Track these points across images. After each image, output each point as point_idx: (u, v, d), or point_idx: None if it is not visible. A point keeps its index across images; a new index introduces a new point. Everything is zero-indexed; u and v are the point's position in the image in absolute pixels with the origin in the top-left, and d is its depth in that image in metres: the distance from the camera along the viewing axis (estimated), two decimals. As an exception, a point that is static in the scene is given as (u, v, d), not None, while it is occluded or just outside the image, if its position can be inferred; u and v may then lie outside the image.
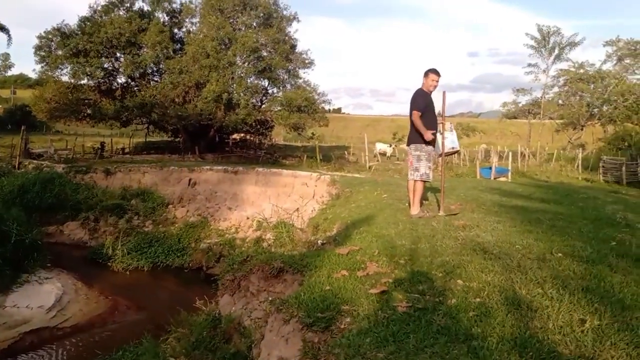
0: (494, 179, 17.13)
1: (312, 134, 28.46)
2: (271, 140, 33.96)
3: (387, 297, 3.51)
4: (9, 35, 27.90)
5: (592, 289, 3.53)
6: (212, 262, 14.91)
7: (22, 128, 23.03)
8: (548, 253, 4.60)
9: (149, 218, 17.57)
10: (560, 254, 4.56)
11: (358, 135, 66.86)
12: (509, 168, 18.10)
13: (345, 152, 35.65)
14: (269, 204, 16.65)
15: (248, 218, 16.45)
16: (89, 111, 27.75)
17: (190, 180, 18.67)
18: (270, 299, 4.23)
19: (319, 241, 7.12)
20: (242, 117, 24.46)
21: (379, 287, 3.65)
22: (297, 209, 15.55)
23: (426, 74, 6.99)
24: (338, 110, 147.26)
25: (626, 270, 4.13)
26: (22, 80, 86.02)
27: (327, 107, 30.81)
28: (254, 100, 27.75)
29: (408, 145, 7.18)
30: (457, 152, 7.67)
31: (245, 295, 4.87)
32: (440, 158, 7.66)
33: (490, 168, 17.98)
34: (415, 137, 6.92)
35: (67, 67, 26.31)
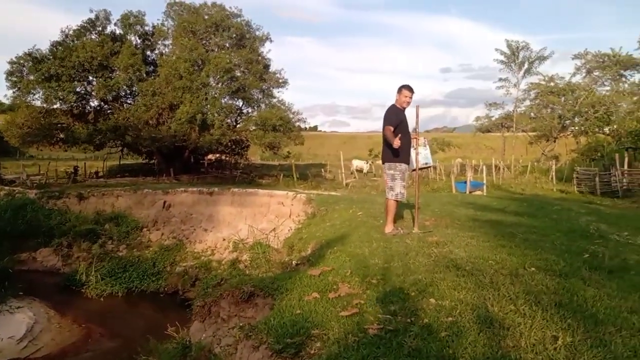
0: (470, 193, 17.23)
1: (288, 152, 28.34)
2: (247, 160, 33.81)
3: (359, 319, 3.41)
4: None
5: (565, 304, 3.49)
6: (188, 285, 14.63)
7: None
8: (521, 268, 4.57)
9: (123, 242, 17.22)
10: (533, 269, 4.53)
11: (335, 153, 66.97)
12: (484, 182, 18.23)
13: (322, 170, 35.67)
14: (245, 224, 16.49)
15: (224, 239, 16.23)
16: (61, 135, 27.30)
17: (164, 202, 18.39)
18: (240, 325, 4.10)
19: (293, 262, 7.01)
20: (216, 137, 24.31)
21: (350, 309, 3.56)
22: (274, 228, 15.41)
23: (399, 90, 6.92)
24: (314, 129, 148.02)
25: (599, 283, 4.12)
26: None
27: (302, 126, 30.91)
28: (228, 121, 27.67)
29: (383, 163, 7.09)
30: (430, 167, 7.62)
31: (216, 322, 4.73)
32: (415, 174, 7.63)
33: (466, 182, 18.09)
34: (389, 155, 6.83)
35: (39, 92, 25.90)
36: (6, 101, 29.94)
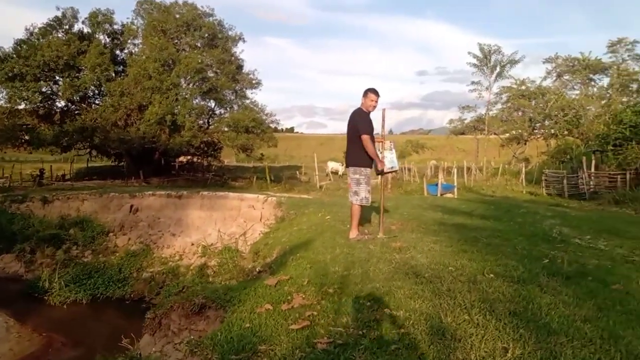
0: (441, 195, 17.31)
1: (262, 155, 28.09)
2: (221, 162, 33.45)
3: (309, 333, 3.30)
4: None
5: (519, 313, 3.44)
6: (155, 292, 14.33)
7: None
8: (480, 274, 4.52)
9: (89, 248, 16.82)
10: (492, 275, 4.48)
11: (312, 155, 66.77)
12: (455, 184, 18.33)
13: (297, 172, 35.52)
14: (215, 228, 16.27)
15: (193, 244, 15.98)
16: (26, 137, 26.60)
17: (131, 206, 18.03)
18: (187, 339, 3.94)
19: (256, 269, 6.87)
20: (187, 139, 23.97)
21: (301, 322, 3.44)
22: (244, 233, 15.24)
23: (365, 93, 6.79)
24: (291, 130, 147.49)
25: (556, 290, 4.09)
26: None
27: (278, 127, 30.75)
28: (200, 122, 27.35)
29: (347, 167, 6.97)
30: (396, 171, 7.56)
31: (166, 335, 4.55)
32: (381, 178, 7.57)
33: (437, 185, 18.17)
34: (356, 159, 6.74)
35: (2, 92, 25.23)
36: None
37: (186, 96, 24.98)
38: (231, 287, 4.67)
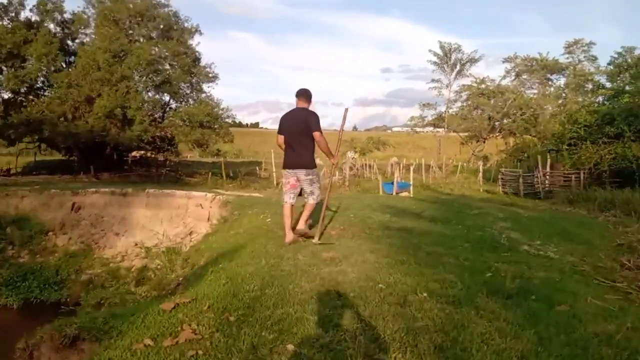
0: (396, 194, 16.93)
1: (218, 150, 27.22)
2: (177, 157, 32.24)
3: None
4: None
5: (446, 348, 2.93)
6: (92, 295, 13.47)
7: None
8: (412, 293, 4.01)
9: (26, 248, 15.72)
10: (425, 294, 3.98)
11: (277, 150, 65.96)
12: (411, 183, 17.98)
13: (257, 168, 34.75)
14: (161, 228, 15.45)
15: (136, 244, 15.12)
16: (-34, 129, 25.05)
17: (74, 204, 16.99)
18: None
19: (178, 279, 6.23)
20: (137, 133, 22.92)
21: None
22: (190, 232, 14.52)
23: (310, 95, 6.54)
24: (256, 125, 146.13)
25: (494, 313, 3.60)
26: None
27: (241, 122, 29.89)
28: (156, 116, 26.27)
29: (293, 169, 6.48)
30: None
31: (38, 370, 3.92)
32: (330, 179, 7.18)
33: (392, 183, 17.78)
34: (308, 160, 6.45)
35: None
36: None
37: (137, 89, 23.85)
38: (114, 314, 4.02)
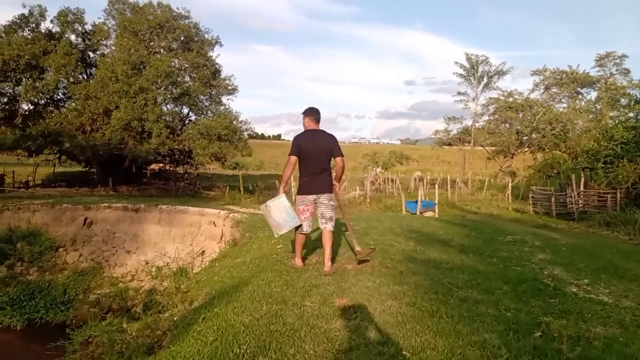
0: (420, 213, 15.98)
1: (236, 164, 26.62)
2: (197, 170, 31.74)
3: None
4: None
5: None
6: (99, 317, 12.80)
7: None
8: (445, 366, 3.15)
9: (35, 264, 15.23)
10: (461, 369, 3.11)
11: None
12: (436, 201, 16.98)
13: (277, 182, 34.08)
14: (174, 245, 14.81)
15: (147, 263, 14.46)
16: (-15, 141, 24.91)
17: (85, 219, 16.48)
18: None
19: (171, 320, 5.47)
20: (154, 146, 22.44)
21: None
22: (202, 252, 13.81)
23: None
24: (278, 137, 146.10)
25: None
26: None
27: (263, 134, 29.34)
28: (174, 128, 25.80)
29: (323, 193, 6.07)
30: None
31: None
32: (338, 203, 6.41)
33: (416, 202, 16.80)
34: (330, 185, 6.19)
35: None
36: None
37: (156, 101, 23.39)
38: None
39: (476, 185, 34.09)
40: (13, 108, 25.25)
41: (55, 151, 27.54)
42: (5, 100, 25.11)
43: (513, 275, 6.22)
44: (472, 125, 40.90)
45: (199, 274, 8.41)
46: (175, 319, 5.51)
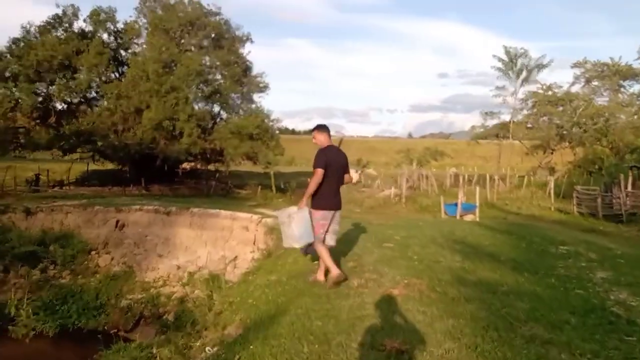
0: (460, 217, 15.29)
1: (268, 163, 26.22)
2: (228, 167, 31.53)
3: None
4: None
5: None
6: (131, 324, 12.63)
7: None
8: None
9: (68, 267, 15.15)
10: None
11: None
12: (477, 203, 16.22)
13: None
14: (205, 250, 14.52)
15: (179, 268, 14.22)
16: (21, 140, 25.22)
17: (117, 221, 16.33)
18: None
19: (207, 348, 5.06)
20: (184, 146, 22.27)
21: None
22: (235, 257, 13.48)
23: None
24: (309, 132, 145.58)
25: None
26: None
27: (292, 129, 28.98)
28: (205, 126, 25.57)
29: (340, 208, 6.27)
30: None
31: None
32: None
33: (456, 205, 16.08)
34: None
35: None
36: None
37: (187, 100, 23.17)
38: None
39: (515, 182, 33.01)
40: (47, 108, 25.43)
41: (89, 150, 27.72)
42: (40, 100, 25.30)
43: (577, 302, 5.59)
44: (510, 120, 39.61)
45: (232, 290, 8.00)
46: (207, 349, 5.09)
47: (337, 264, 6.28)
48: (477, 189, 17.21)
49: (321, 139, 6.10)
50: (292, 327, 4.60)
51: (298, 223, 5.75)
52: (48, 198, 21.01)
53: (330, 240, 6.12)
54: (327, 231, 6.03)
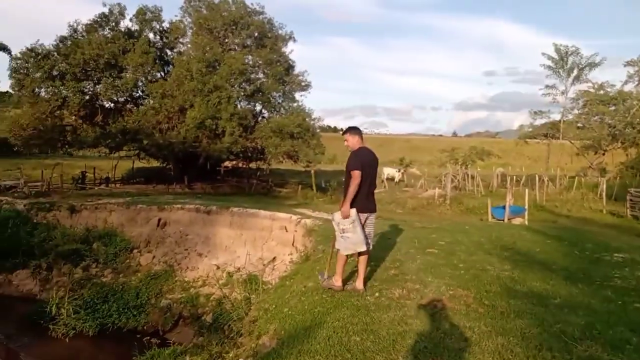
0: (508, 220, 14.63)
1: (309, 162, 26.00)
2: (269, 166, 31.48)
3: None
4: (11, 55, 25.92)
5: None
6: (170, 324, 12.63)
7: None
8: None
9: (110, 266, 15.39)
10: None
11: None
12: (526, 206, 15.49)
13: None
14: (244, 250, 14.42)
15: (218, 267, 14.16)
16: (68, 138, 25.84)
17: (159, 220, 16.50)
18: None
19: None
20: (226, 145, 22.30)
21: None
22: (274, 258, 13.31)
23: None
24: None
25: None
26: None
27: (333, 126, 28.67)
28: (247, 125, 25.53)
29: (369, 212, 5.93)
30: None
31: None
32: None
33: (504, 208, 15.40)
34: None
35: (43, 91, 24.50)
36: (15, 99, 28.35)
37: (229, 99, 23.17)
38: None
39: (565, 184, 31.72)
40: (94, 106, 25.95)
41: (134, 148, 28.17)
42: (87, 98, 25.83)
43: (638, 318, 5.09)
44: (560, 120, 38.06)
45: (268, 295, 7.76)
46: (240, 361, 4.87)
47: (367, 274, 6.16)
48: (527, 191, 16.43)
49: (353, 142, 5.90)
50: (329, 342, 4.32)
51: (357, 228, 5.59)
52: (93, 196, 21.46)
53: (364, 245, 5.81)
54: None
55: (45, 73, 23.24)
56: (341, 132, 6.30)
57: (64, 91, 23.47)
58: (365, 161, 5.71)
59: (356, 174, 5.57)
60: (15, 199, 19.61)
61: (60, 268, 15.13)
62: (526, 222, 14.63)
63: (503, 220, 14.73)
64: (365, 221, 5.79)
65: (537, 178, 26.32)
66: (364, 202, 5.73)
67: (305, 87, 27.27)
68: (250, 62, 26.19)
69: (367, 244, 5.74)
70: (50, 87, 23.66)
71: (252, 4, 27.50)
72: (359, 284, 5.97)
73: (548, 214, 19.95)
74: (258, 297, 8.20)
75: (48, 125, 24.34)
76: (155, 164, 32.20)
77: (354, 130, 5.99)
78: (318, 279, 6.57)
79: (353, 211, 5.59)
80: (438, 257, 7.77)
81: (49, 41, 26.48)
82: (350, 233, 5.65)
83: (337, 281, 5.99)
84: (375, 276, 6.60)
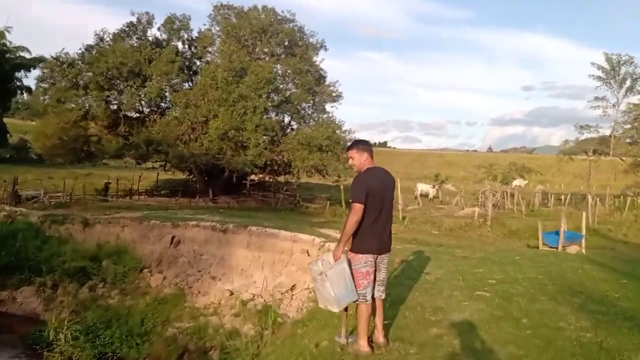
0: (563, 248, 12.76)
1: (338, 176, 24.48)
2: (298, 179, 30.00)
3: None
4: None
5: None
6: (174, 358, 11.19)
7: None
8: None
9: (117, 286, 14.20)
10: None
11: (404, 170, 62.14)
12: (583, 233, 13.54)
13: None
14: (262, 274, 12.95)
15: (232, 294, 12.70)
16: (92, 148, 25.08)
17: (173, 237, 15.23)
18: None
19: None
20: (250, 158, 20.99)
21: None
22: (293, 286, 11.80)
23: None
24: (384, 144, 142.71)
25: None
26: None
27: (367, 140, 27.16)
28: (273, 137, 24.12)
29: (390, 250, 4.74)
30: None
31: None
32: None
33: (557, 233, 13.51)
34: None
35: (68, 100, 23.81)
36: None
37: (254, 109, 21.84)
38: None
39: (614, 204, 29.25)
40: (117, 116, 25.14)
41: (161, 159, 27.27)
42: (111, 108, 25.11)
43: None
44: (611, 134, 35.45)
45: (275, 346, 6.24)
46: None
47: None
48: (584, 214, 14.49)
49: (360, 160, 4.48)
50: None
51: (335, 281, 4.23)
52: (112, 208, 20.53)
53: (377, 292, 4.57)
54: (373, 281, 4.46)
55: (70, 82, 22.54)
56: (348, 147, 4.80)
57: (88, 101, 22.75)
58: (374, 187, 4.33)
59: (356, 208, 4.22)
60: (33, 210, 18.85)
61: (65, 287, 14.11)
62: (583, 251, 12.72)
63: (556, 248, 12.87)
64: (377, 264, 4.51)
65: (589, 197, 24.09)
66: (376, 238, 4.40)
67: (337, 97, 25.85)
68: (279, 71, 24.97)
69: (348, 300, 4.38)
70: (75, 97, 22.92)
71: (282, 11, 26.38)
72: (378, 336, 4.65)
73: (603, 239, 17.82)
74: (270, 335, 6.75)
75: (72, 135, 23.62)
76: (181, 176, 31.23)
77: (361, 145, 4.66)
78: (336, 330, 5.05)
79: (337, 263, 4.31)
80: (491, 304, 6.12)
81: (74, 50, 25.77)
82: (319, 284, 4.44)
83: (363, 346, 4.49)
84: (412, 336, 4.98)
